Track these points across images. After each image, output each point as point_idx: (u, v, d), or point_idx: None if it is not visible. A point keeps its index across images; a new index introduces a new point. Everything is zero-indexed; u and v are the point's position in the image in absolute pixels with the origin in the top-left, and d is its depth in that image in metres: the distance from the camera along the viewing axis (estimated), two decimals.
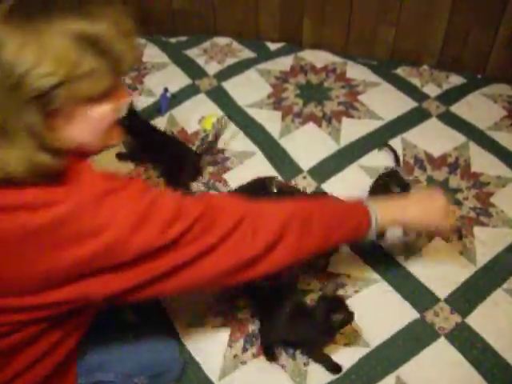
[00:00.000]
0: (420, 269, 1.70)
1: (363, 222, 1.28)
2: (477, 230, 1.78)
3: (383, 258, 1.73)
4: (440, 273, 1.69)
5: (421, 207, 1.38)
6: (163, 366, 1.40)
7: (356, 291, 1.65)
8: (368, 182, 1.89)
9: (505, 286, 1.65)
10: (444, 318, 1.58)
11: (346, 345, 1.53)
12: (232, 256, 1.11)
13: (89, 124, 1.02)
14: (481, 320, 1.57)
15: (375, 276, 1.68)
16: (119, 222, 0.98)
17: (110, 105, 1.02)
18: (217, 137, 2.02)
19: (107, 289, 1.03)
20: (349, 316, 1.40)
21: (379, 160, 1.98)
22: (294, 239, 1.17)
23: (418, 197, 1.47)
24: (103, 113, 1.02)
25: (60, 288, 1.00)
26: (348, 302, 1.58)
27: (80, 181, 0.99)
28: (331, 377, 1.47)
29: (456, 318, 1.58)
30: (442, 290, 1.64)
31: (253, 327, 1.58)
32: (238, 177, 1.95)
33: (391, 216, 1.34)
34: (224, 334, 1.57)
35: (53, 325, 1.09)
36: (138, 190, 1.04)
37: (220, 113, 2.16)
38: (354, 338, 1.54)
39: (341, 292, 1.64)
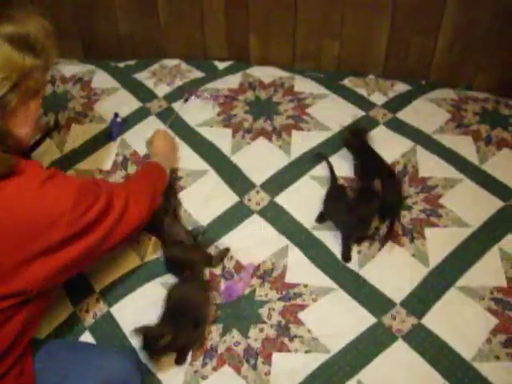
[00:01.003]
0: (374, 275, 1.72)
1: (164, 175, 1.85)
2: (428, 231, 1.81)
3: (339, 266, 1.75)
4: (394, 277, 1.72)
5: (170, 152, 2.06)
6: (117, 382, 1.40)
7: (313, 299, 1.66)
8: (320, 192, 1.91)
9: (458, 283, 1.68)
10: (401, 321, 1.61)
11: (306, 352, 1.55)
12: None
13: (29, 117, 1.19)
14: (436, 320, 1.60)
15: (332, 285, 1.70)
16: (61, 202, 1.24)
17: (40, 97, 1.15)
18: None
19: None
20: None
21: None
22: (148, 200, 1.64)
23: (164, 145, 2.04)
24: (38, 104, 1.16)
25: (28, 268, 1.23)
26: (306, 311, 1.62)
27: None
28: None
29: (412, 320, 1.61)
30: (398, 294, 1.67)
31: (211, 343, 1.59)
32: (190, 195, 1.97)
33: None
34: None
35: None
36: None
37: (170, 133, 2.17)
38: (314, 345, 1.56)
39: (298, 301, 1.66)
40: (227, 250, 1.80)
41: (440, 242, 1.79)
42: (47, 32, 1.15)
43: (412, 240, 1.79)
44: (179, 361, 1.55)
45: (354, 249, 1.78)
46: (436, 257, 1.75)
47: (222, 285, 1.73)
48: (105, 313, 1.70)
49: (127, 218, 1.48)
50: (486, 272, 1.72)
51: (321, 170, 2.01)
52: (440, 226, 1.83)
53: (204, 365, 1.54)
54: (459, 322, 1.60)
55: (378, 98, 2.30)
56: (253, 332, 1.60)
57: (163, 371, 1.55)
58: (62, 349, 1.48)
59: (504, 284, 1.68)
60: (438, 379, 1.48)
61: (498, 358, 1.52)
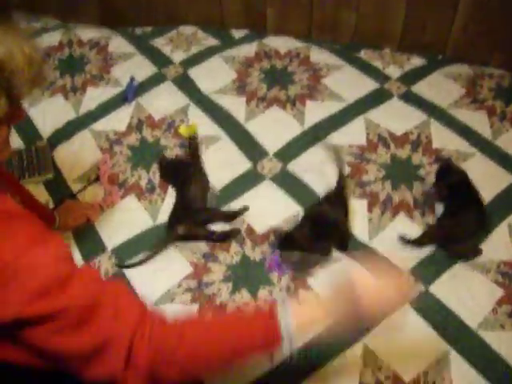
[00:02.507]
0: (384, 245, 1.74)
1: (269, 349, 1.10)
2: (438, 206, 1.82)
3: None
4: (404, 248, 1.73)
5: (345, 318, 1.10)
6: None
7: (322, 267, 1.68)
8: (332, 159, 1.92)
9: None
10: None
11: None
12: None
13: None
14: (444, 289, 1.62)
15: (340, 254, 1.72)
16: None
17: (7, 125, 1.05)
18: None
19: None
20: None
21: (343, 139, 2.02)
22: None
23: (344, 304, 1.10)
24: (2, 133, 1.04)
25: None
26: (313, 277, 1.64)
27: None
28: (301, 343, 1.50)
29: (420, 287, 1.62)
30: (407, 263, 1.68)
31: (220, 299, 1.62)
32: (204, 160, 1.98)
33: (305, 332, 1.13)
34: (193, 309, 1.61)
35: None
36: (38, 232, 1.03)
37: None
38: None
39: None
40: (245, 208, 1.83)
41: None
42: (25, 58, 0.97)
43: (423, 214, 1.81)
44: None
45: (366, 217, 1.80)
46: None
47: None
48: (116, 271, 1.72)
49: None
50: (494, 246, 1.72)
51: (333, 138, 2.03)
52: None
53: None
54: (466, 291, 1.61)
55: (393, 71, 2.30)
56: (262, 293, 1.63)
57: None
58: None
59: (511, 258, 1.69)
60: (442, 345, 1.51)
61: (502, 327, 1.54)
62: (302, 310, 1.11)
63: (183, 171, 1.91)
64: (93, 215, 1.87)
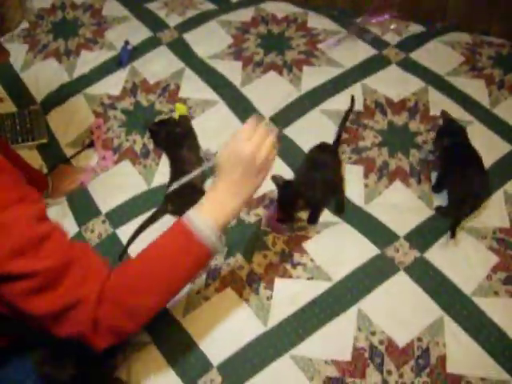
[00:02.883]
0: (380, 211, 1.73)
1: (200, 253, 1.16)
2: (435, 175, 1.81)
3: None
4: (399, 214, 1.72)
5: (245, 176, 1.17)
6: None
7: (317, 232, 1.67)
8: (329, 125, 1.92)
9: (462, 224, 1.68)
10: (403, 253, 1.62)
11: (308, 279, 1.57)
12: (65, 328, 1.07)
13: None
14: (439, 255, 1.61)
15: (336, 219, 1.71)
16: None
17: None
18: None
19: None
20: None
21: (340, 104, 1.99)
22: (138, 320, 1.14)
23: (231, 166, 1.17)
24: None
25: None
26: (309, 241, 1.63)
27: None
28: (294, 308, 1.51)
29: (415, 253, 1.62)
30: (402, 229, 1.68)
31: (215, 263, 1.61)
32: (199, 125, 1.97)
33: (225, 216, 1.18)
34: None
35: None
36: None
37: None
38: (317, 273, 1.58)
39: (302, 233, 1.67)
40: None
41: None
42: None
43: (419, 182, 1.80)
44: (311, 220, 1.67)
45: (362, 183, 1.79)
46: (441, 200, 1.75)
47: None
48: (110, 234, 1.72)
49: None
50: (489, 213, 1.72)
51: (331, 104, 2.01)
52: None
53: (207, 285, 1.57)
54: (461, 258, 1.61)
55: (391, 38, 2.26)
56: (257, 257, 1.62)
57: None
58: None
59: (507, 225, 1.69)
60: (436, 310, 1.50)
61: (496, 293, 1.53)
62: (206, 204, 1.17)
63: (173, 135, 1.88)
64: (86, 179, 1.86)
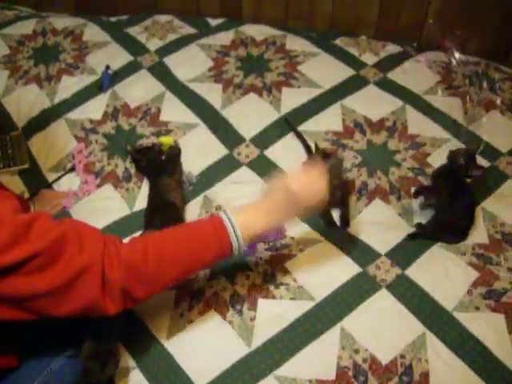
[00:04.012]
0: (361, 229, 1.75)
1: (224, 248, 1.25)
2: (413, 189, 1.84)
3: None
4: (380, 232, 1.74)
5: (283, 210, 1.30)
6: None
7: (300, 250, 1.69)
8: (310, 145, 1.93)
9: (440, 242, 1.71)
10: (385, 271, 1.63)
11: (291, 299, 1.58)
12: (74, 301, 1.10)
13: None
14: (420, 272, 1.63)
15: (318, 237, 1.73)
16: None
17: None
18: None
19: None
20: None
21: (320, 125, 2.02)
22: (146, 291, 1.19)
23: (279, 199, 1.30)
24: None
25: None
26: (292, 260, 1.64)
27: None
28: (277, 329, 1.51)
29: (396, 271, 1.63)
30: (383, 246, 1.70)
31: (198, 285, 1.62)
32: (181, 147, 1.97)
33: (253, 230, 1.28)
34: (170, 296, 1.60)
35: None
36: None
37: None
38: (300, 293, 1.59)
39: (285, 251, 1.68)
40: None
41: None
42: None
43: (399, 198, 1.82)
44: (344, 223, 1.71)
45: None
46: (420, 217, 1.77)
47: None
48: None
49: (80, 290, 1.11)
50: None
51: (310, 125, 2.03)
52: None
53: (190, 308, 1.57)
54: (442, 274, 1.63)
55: (369, 58, 2.30)
56: (239, 278, 1.63)
57: (148, 315, 1.57)
58: None
59: (486, 241, 1.71)
60: (419, 327, 1.52)
61: (477, 308, 1.55)
62: (243, 213, 1.28)
63: (156, 162, 1.89)
64: (68, 203, 1.86)
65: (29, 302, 1.07)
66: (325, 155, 1.83)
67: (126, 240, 1.22)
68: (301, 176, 1.32)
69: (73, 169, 1.98)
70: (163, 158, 1.87)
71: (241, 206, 1.32)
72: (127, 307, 1.18)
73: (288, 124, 2.02)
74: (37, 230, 1.05)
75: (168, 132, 2.04)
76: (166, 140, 1.97)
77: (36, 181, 1.98)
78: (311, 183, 1.30)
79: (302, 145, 1.95)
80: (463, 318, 1.53)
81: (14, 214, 1.06)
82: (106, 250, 1.12)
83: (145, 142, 2.02)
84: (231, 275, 1.64)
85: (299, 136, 1.97)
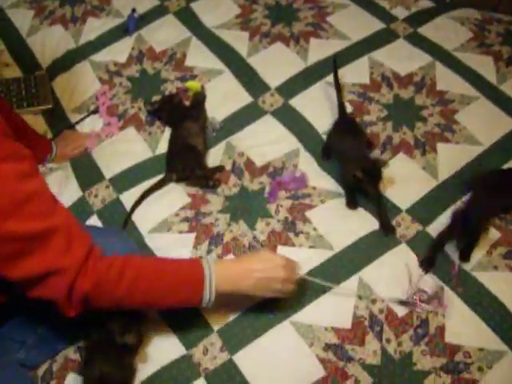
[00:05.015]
0: (383, 183, 1.71)
1: (195, 297, 1.27)
2: (440, 146, 1.81)
3: None
4: (402, 186, 1.72)
5: (260, 282, 1.32)
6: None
7: (322, 201, 1.68)
8: (334, 97, 1.90)
9: (464, 199, 1.68)
10: (405, 227, 1.62)
11: (310, 247, 1.58)
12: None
13: None
14: (439, 230, 1.60)
15: (340, 190, 1.71)
16: None
17: None
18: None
19: None
20: None
21: (347, 77, 1.99)
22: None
23: (261, 267, 1.33)
24: None
25: None
26: (313, 210, 1.63)
27: None
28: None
29: (417, 227, 1.62)
30: (404, 202, 1.68)
31: (218, 230, 1.62)
32: (206, 93, 1.96)
33: (229, 287, 1.31)
34: (189, 238, 1.61)
35: None
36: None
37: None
38: (319, 242, 1.59)
39: (307, 201, 1.68)
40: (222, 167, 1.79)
41: (451, 158, 1.79)
42: None
43: (424, 153, 1.79)
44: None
45: None
46: (446, 172, 1.75)
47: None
48: (114, 199, 1.72)
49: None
50: None
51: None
52: (452, 142, 1.82)
53: (209, 251, 1.58)
54: None
55: (400, 12, 2.24)
56: (259, 225, 1.63)
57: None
58: None
59: None
60: (436, 281, 1.52)
61: (496, 268, 1.54)
62: (225, 280, 1.29)
63: (178, 108, 1.88)
64: (91, 145, 1.86)
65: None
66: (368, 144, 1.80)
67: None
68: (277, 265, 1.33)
69: (96, 111, 1.97)
70: (188, 103, 1.85)
71: (228, 260, 1.44)
72: (88, 311, 1.20)
73: (334, 67, 1.95)
74: (30, 211, 1.05)
75: (193, 77, 2.02)
76: (193, 85, 1.96)
77: (59, 121, 1.98)
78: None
79: (337, 102, 1.89)
80: (481, 276, 1.52)
81: (19, 180, 1.04)
82: (87, 259, 1.13)
83: (169, 87, 2.00)
84: (251, 221, 1.64)
85: (338, 89, 1.91)
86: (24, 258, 1.05)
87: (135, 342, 1.37)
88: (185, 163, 1.72)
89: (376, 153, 1.80)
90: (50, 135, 1.94)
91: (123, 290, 1.18)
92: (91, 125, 1.95)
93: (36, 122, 1.97)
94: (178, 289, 1.26)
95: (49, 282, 1.10)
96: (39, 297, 1.13)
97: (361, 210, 1.66)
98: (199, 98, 1.90)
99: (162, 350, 1.44)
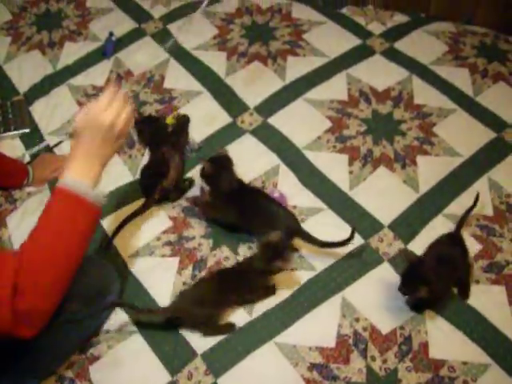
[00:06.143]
0: (364, 197, 1.74)
1: (91, 213, 1.20)
2: (420, 159, 1.82)
3: (328, 187, 1.76)
4: (384, 201, 1.73)
5: (101, 136, 1.19)
6: (96, 289, 1.41)
7: (302, 220, 1.67)
8: (313, 113, 1.92)
9: (445, 211, 1.70)
10: (388, 244, 1.63)
11: (292, 270, 1.57)
12: None
13: None
14: (422, 245, 1.59)
15: (321, 205, 1.72)
16: None
17: None
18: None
19: None
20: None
21: (325, 94, 2.00)
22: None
23: (86, 129, 1.19)
24: None
25: None
26: None
27: None
28: (278, 298, 1.51)
29: (399, 244, 1.63)
30: (386, 217, 1.69)
31: (201, 255, 1.61)
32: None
33: (93, 170, 1.20)
34: (173, 262, 1.60)
35: None
36: None
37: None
38: (301, 263, 1.59)
39: None
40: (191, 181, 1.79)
41: (431, 170, 1.80)
42: None
43: (404, 166, 1.80)
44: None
45: (346, 170, 1.80)
46: (426, 184, 1.77)
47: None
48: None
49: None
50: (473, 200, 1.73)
51: (315, 93, 2.01)
52: (432, 155, 1.84)
53: (193, 276, 1.57)
54: None
55: (376, 28, 2.27)
56: (242, 249, 1.62)
57: (151, 283, 1.57)
58: None
59: (490, 212, 1.70)
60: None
61: (477, 282, 1.55)
62: (73, 169, 1.18)
63: (159, 133, 1.86)
64: None
65: None
66: None
67: None
68: (96, 107, 1.19)
69: None
70: (169, 130, 1.85)
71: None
72: (42, 324, 1.15)
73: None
74: None
75: (172, 99, 2.02)
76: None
77: (37, 145, 1.96)
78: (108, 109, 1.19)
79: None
80: None
81: None
82: (15, 276, 1.08)
83: (148, 109, 2.00)
84: (234, 246, 1.63)
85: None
86: None
87: None
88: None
89: (357, 165, 1.81)
90: (27, 159, 1.92)
91: (39, 271, 1.12)
92: (69, 147, 1.93)
93: (14, 145, 1.95)
94: (72, 223, 1.18)
95: None
96: None
97: (343, 225, 1.66)
98: (183, 121, 1.89)
99: (148, 378, 1.43)
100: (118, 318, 1.50)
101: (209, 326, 1.47)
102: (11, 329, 1.08)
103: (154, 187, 1.71)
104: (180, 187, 1.76)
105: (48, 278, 1.14)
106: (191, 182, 1.78)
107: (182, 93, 2.04)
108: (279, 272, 1.43)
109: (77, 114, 1.20)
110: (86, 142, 1.19)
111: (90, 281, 1.39)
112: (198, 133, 1.91)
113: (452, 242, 1.56)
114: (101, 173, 1.23)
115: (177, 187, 1.75)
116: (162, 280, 1.57)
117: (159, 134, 1.81)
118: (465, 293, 1.53)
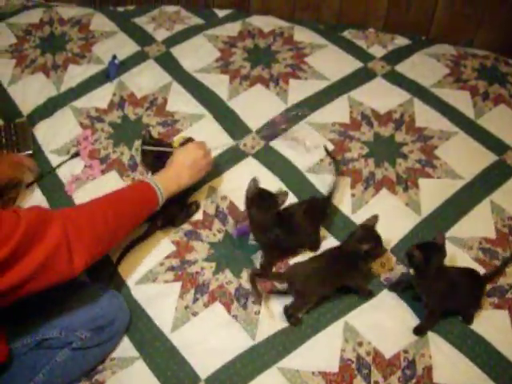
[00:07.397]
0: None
1: (153, 202, 1.53)
2: (422, 181, 1.83)
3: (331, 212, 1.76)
4: (387, 223, 1.70)
5: (191, 169, 1.62)
6: (105, 319, 1.42)
7: (305, 249, 1.67)
8: (316, 137, 1.94)
9: (448, 234, 1.70)
10: (389, 269, 1.63)
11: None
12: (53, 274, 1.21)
13: None
14: None
15: (323, 233, 1.71)
16: None
17: None
18: None
19: None
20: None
21: (327, 117, 2.02)
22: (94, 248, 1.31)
23: (184, 159, 1.63)
24: None
25: None
26: (296, 259, 1.65)
27: None
28: (281, 325, 1.51)
29: (401, 269, 1.63)
30: (389, 241, 1.68)
31: (203, 279, 1.61)
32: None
33: (172, 187, 1.58)
34: (175, 287, 1.60)
35: None
36: None
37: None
38: None
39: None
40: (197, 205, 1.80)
41: (433, 193, 1.81)
42: None
43: (406, 189, 1.81)
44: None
45: (348, 192, 1.80)
46: (428, 207, 1.77)
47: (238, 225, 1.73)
48: None
49: (54, 265, 1.20)
50: (475, 223, 1.74)
51: (317, 116, 2.02)
52: (434, 177, 1.84)
53: (195, 300, 1.56)
54: None
55: (377, 51, 2.29)
56: (245, 273, 1.62)
57: (153, 307, 1.57)
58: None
59: (493, 235, 1.70)
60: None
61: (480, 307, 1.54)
62: (167, 182, 1.58)
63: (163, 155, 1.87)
64: (70, 188, 1.86)
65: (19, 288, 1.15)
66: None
67: None
68: (194, 144, 1.70)
69: (77, 154, 1.97)
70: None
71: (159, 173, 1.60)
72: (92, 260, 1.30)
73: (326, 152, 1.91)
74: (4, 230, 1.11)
75: (174, 122, 2.03)
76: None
77: (40, 166, 1.95)
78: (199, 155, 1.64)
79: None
80: None
81: None
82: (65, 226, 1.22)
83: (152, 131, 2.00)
84: (237, 270, 1.63)
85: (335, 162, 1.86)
86: (23, 258, 1.13)
87: None
88: (168, 209, 1.71)
89: (359, 188, 1.81)
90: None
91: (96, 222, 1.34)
92: (71, 168, 1.93)
93: None
94: (142, 205, 1.52)
95: (54, 263, 1.19)
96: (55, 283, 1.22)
97: None
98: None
99: None
100: (122, 345, 1.50)
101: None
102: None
103: (157, 213, 1.71)
104: (186, 211, 1.76)
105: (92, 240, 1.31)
106: (198, 206, 1.78)
107: (184, 116, 2.05)
108: (378, 257, 1.55)
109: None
110: (179, 163, 1.61)
111: (100, 311, 1.42)
112: None
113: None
114: (176, 191, 1.60)
115: (182, 211, 1.75)
116: (163, 305, 1.56)
117: (163, 156, 1.82)
118: (469, 318, 1.53)
